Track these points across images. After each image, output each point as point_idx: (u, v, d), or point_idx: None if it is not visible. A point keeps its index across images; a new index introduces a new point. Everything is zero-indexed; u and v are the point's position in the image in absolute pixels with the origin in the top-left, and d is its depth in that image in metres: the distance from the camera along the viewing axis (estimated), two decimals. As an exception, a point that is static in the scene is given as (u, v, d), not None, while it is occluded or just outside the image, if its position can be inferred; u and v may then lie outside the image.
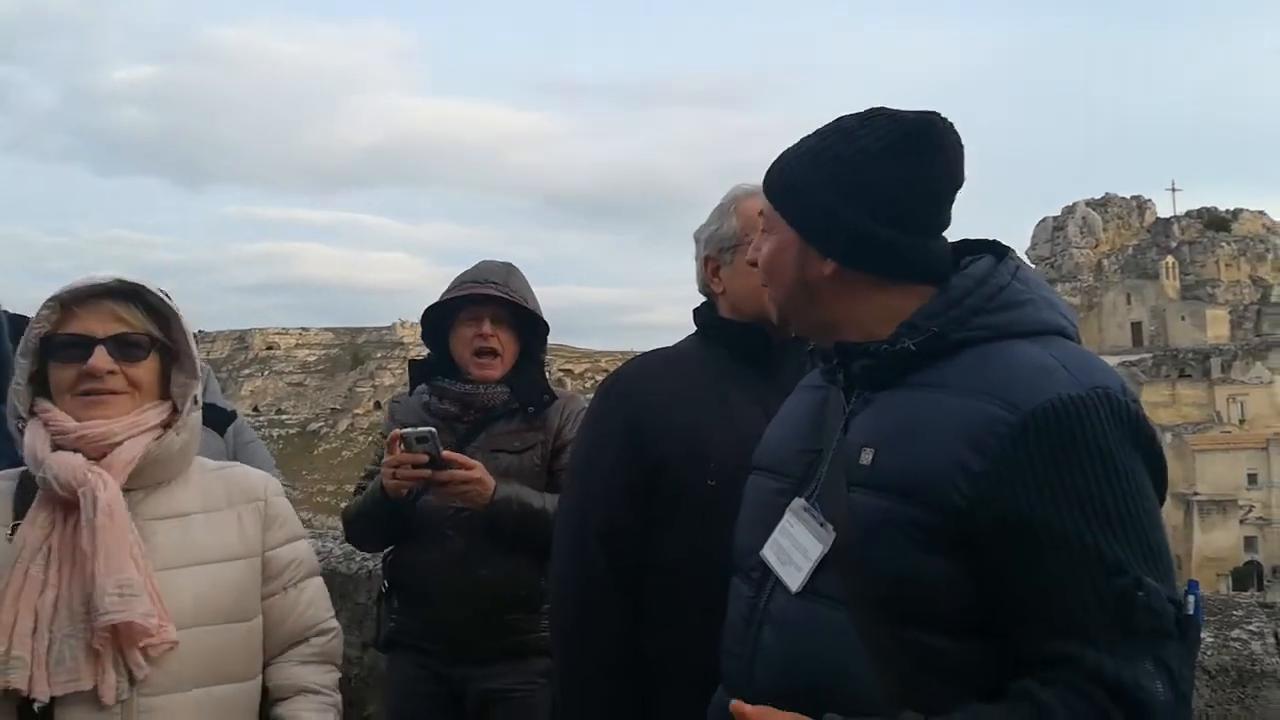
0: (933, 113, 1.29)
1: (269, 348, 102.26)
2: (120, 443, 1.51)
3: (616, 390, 1.88)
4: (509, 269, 2.51)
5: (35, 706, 1.40)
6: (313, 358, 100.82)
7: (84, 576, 1.44)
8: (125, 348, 1.53)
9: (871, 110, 1.31)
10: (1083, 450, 1.11)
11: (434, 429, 2.22)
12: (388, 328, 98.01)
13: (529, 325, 2.50)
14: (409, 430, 2.21)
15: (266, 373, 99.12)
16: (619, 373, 1.95)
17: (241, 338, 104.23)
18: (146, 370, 1.56)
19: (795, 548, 1.27)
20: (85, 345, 1.51)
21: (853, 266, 1.29)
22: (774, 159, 1.38)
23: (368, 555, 3.30)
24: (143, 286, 1.56)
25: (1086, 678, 1.07)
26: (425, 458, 2.19)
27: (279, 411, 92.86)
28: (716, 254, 1.89)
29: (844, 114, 1.34)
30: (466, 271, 2.52)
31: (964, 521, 1.12)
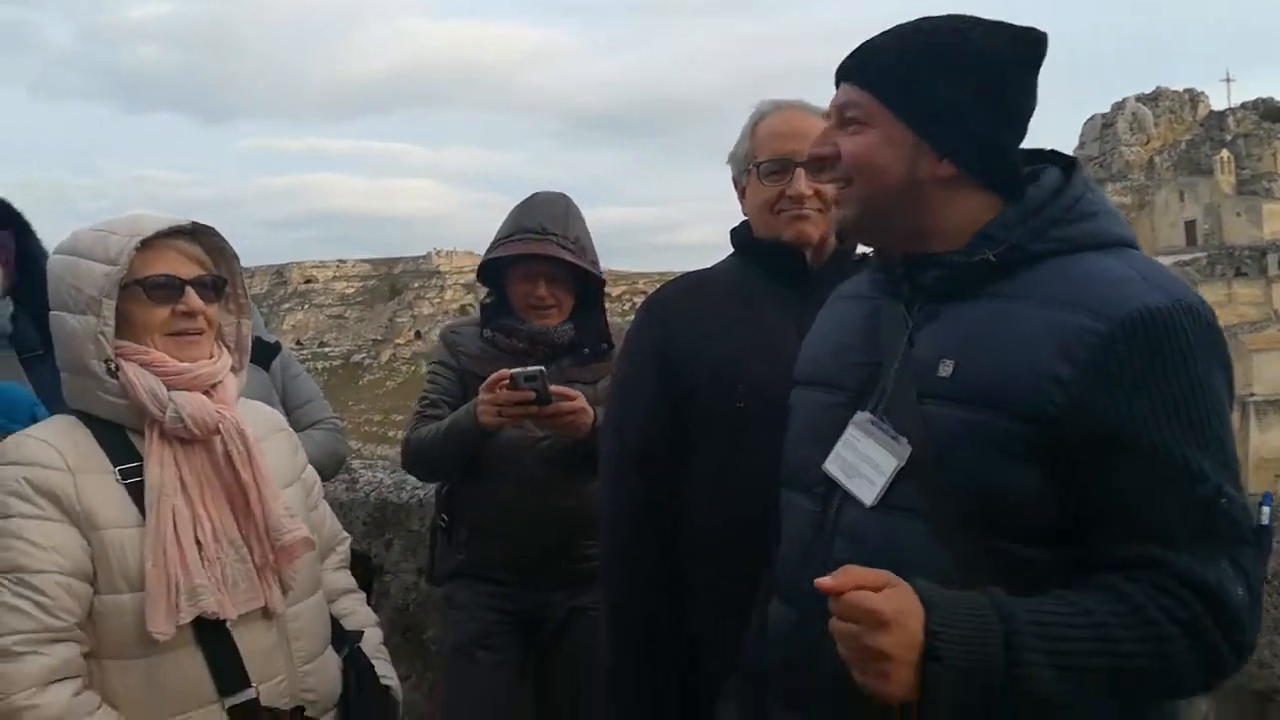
0: (1038, 29, 1.30)
1: (307, 281, 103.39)
2: (221, 380, 1.61)
3: (649, 314, 1.91)
4: (567, 210, 2.44)
5: (227, 625, 1.51)
6: (351, 289, 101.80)
7: (236, 506, 1.57)
8: (205, 289, 1.60)
9: (963, 15, 1.30)
10: (1170, 360, 1.13)
11: (543, 368, 2.24)
12: (424, 257, 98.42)
13: (586, 272, 2.47)
14: (518, 370, 2.24)
15: (307, 306, 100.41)
16: (652, 297, 1.97)
17: (279, 272, 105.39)
18: (215, 310, 1.63)
19: (864, 461, 1.27)
20: (176, 286, 1.56)
21: (969, 170, 1.27)
22: (861, 48, 1.33)
23: (418, 485, 3.34)
24: (210, 228, 1.62)
25: (1172, 577, 1.12)
26: (532, 395, 2.22)
27: (321, 344, 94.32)
28: (738, 175, 1.88)
29: (927, 15, 1.32)
30: (522, 212, 2.44)
31: (1054, 430, 1.14)
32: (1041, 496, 1.17)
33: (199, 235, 1.62)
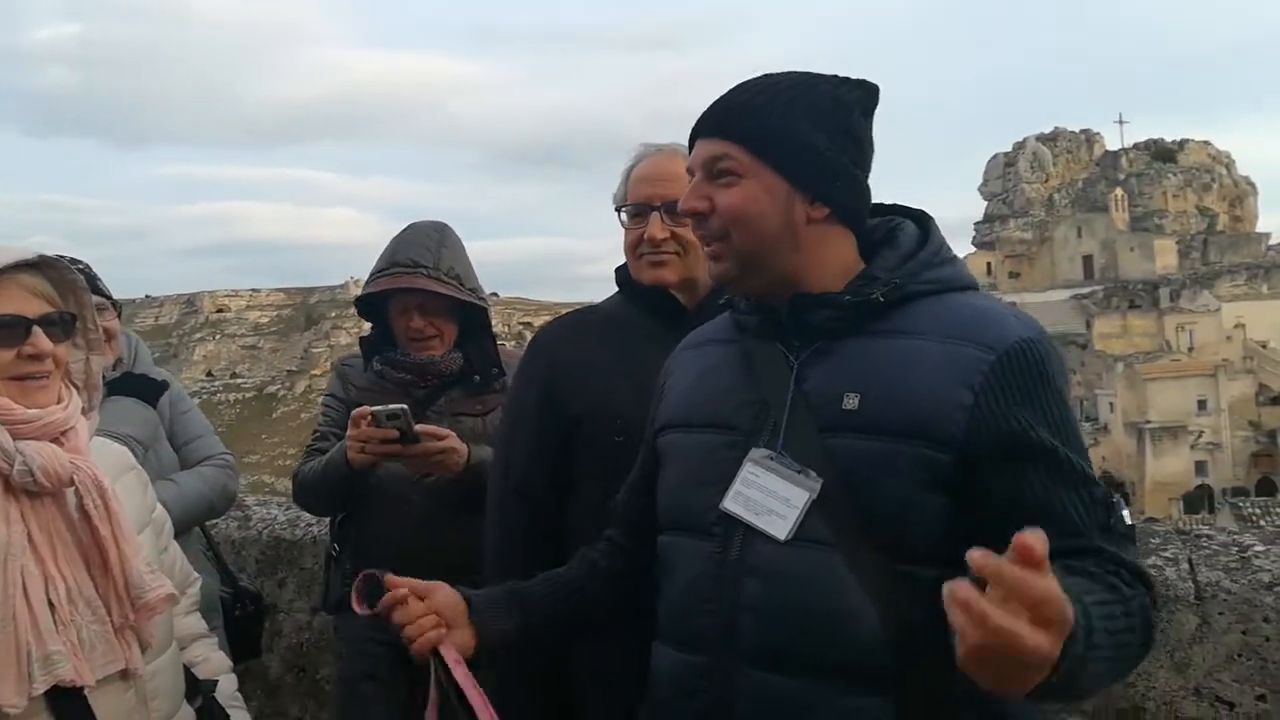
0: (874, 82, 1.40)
1: (219, 310, 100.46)
2: (73, 426, 1.50)
3: (533, 350, 1.95)
4: (440, 240, 2.44)
5: (85, 692, 1.41)
6: (265, 319, 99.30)
7: (91, 562, 1.46)
8: (52, 327, 1.48)
9: (802, 72, 1.37)
10: (1044, 381, 1.26)
11: (405, 406, 2.20)
12: (340, 286, 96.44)
13: (468, 298, 2.46)
14: (379, 409, 2.19)
15: (219, 336, 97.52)
16: (538, 332, 2.02)
17: (190, 301, 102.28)
18: (64, 350, 1.51)
19: (770, 497, 1.29)
20: (20, 326, 1.44)
21: (841, 211, 1.35)
22: (721, 104, 1.36)
23: (312, 521, 3.30)
24: (60, 259, 1.52)
25: (1111, 560, 1.19)
26: (396, 434, 2.19)
27: (234, 375, 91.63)
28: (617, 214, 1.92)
29: (772, 71, 1.37)
30: (398, 244, 2.45)
31: (961, 452, 1.23)
32: (947, 519, 1.23)
33: (45, 268, 1.50)
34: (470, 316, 2.49)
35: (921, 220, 1.42)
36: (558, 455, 1.82)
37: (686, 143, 1.90)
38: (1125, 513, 1.25)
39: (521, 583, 1.53)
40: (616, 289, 1.95)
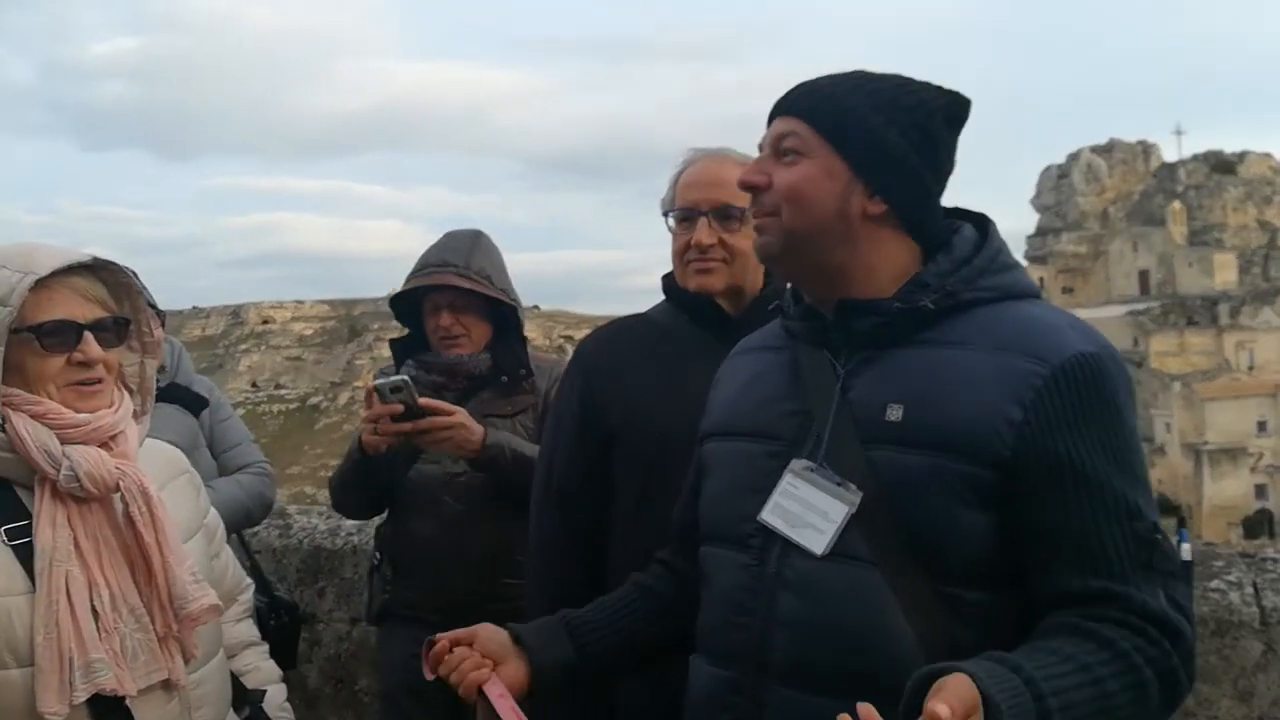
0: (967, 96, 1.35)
1: (264, 322, 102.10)
2: (122, 431, 1.49)
3: (576, 361, 1.96)
4: (474, 243, 2.46)
5: (126, 701, 1.40)
6: (309, 331, 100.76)
7: (136, 570, 1.45)
8: (105, 333, 1.47)
9: (898, 74, 1.34)
10: (1103, 402, 1.19)
11: (408, 377, 2.19)
12: (384, 298, 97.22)
13: (499, 299, 2.46)
14: (382, 381, 2.18)
15: (263, 347, 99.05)
16: (581, 343, 2.02)
17: (236, 313, 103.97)
18: (116, 355, 1.51)
19: (809, 510, 1.25)
20: (72, 331, 1.44)
21: (899, 211, 1.29)
22: (805, 85, 1.34)
23: (353, 530, 3.30)
24: (113, 263, 1.51)
25: (1133, 611, 1.14)
26: (402, 408, 2.16)
27: (278, 386, 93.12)
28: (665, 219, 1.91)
29: (862, 68, 1.36)
30: (431, 248, 2.48)
31: (1006, 471, 1.17)
32: (989, 539, 1.18)
33: (99, 271, 1.49)
34: (504, 320, 2.48)
35: (981, 224, 1.35)
36: (597, 464, 1.83)
37: (724, 148, 1.89)
38: (1186, 546, 1.22)
39: (573, 610, 1.50)
40: (661, 299, 1.93)
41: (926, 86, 1.32)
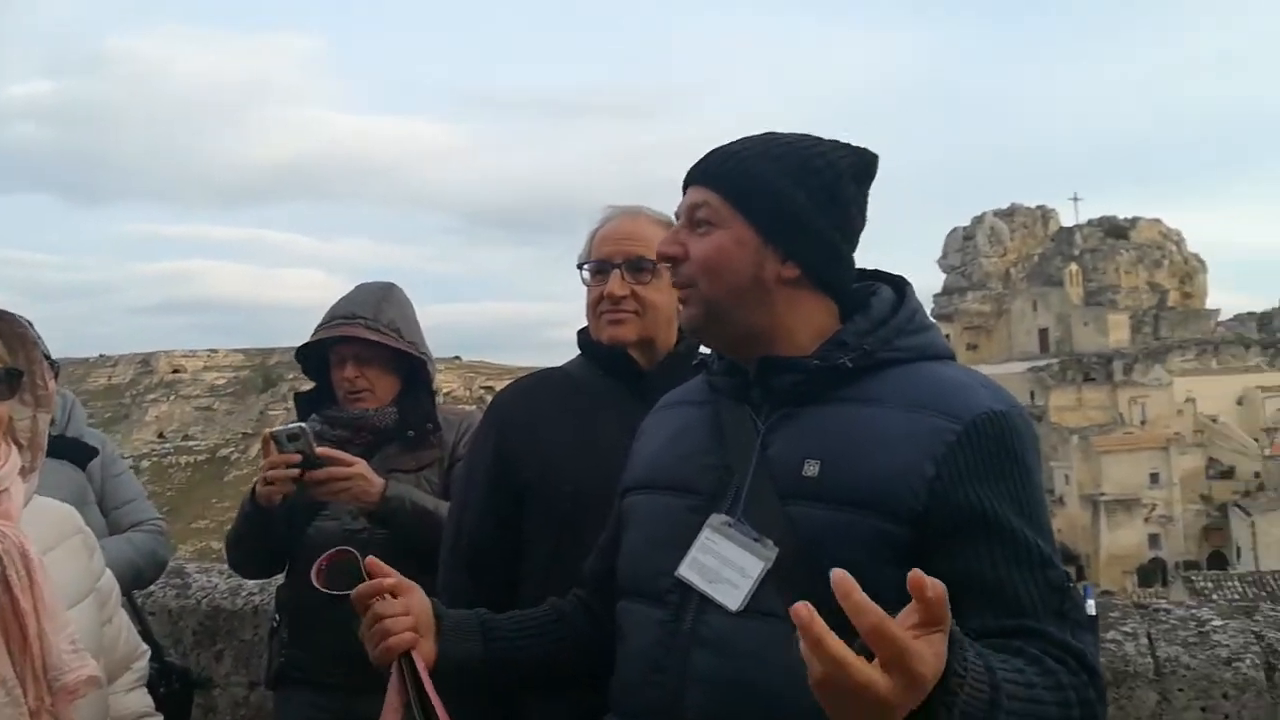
0: (873, 151, 1.38)
1: (175, 371, 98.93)
2: (7, 488, 1.42)
3: (490, 415, 1.94)
4: (383, 295, 2.43)
5: None
6: (222, 380, 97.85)
7: (10, 637, 1.36)
8: None
9: (806, 133, 1.36)
10: (1012, 457, 1.22)
11: (305, 425, 2.13)
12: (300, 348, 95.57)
13: (407, 352, 2.42)
14: (279, 428, 2.12)
15: (173, 397, 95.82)
16: (496, 397, 2.01)
17: (145, 361, 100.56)
18: (7, 407, 1.44)
19: (726, 565, 1.25)
20: None
21: (812, 274, 1.32)
22: (713, 153, 1.36)
23: (253, 590, 3.19)
24: (8, 313, 1.46)
25: (1055, 644, 1.15)
26: (299, 457, 2.10)
27: (186, 437, 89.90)
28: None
29: (776, 130, 1.37)
30: (340, 300, 2.44)
31: (920, 525, 1.19)
32: (905, 594, 1.19)
33: None
34: (413, 373, 2.45)
35: (899, 286, 1.38)
36: (509, 519, 1.81)
37: (638, 206, 1.93)
38: (1091, 602, 1.22)
39: (491, 614, 1.47)
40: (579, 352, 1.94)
41: (835, 146, 1.34)
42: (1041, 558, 1.19)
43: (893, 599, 1.16)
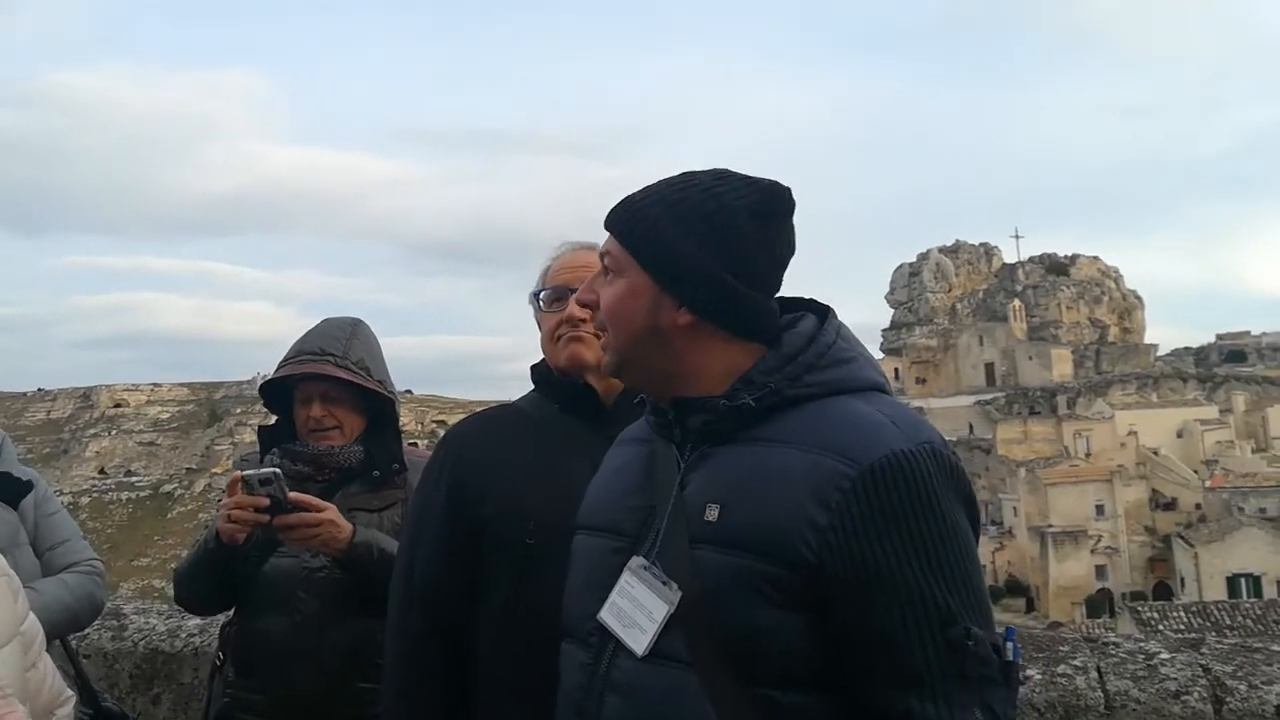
0: (782, 183, 1.34)
1: (117, 405, 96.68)
2: None
3: (443, 450, 1.88)
4: (352, 332, 2.40)
5: None
6: (166, 415, 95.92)
7: None
8: None
9: (721, 170, 1.34)
10: (917, 502, 1.15)
11: (279, 470, 2.09)
12: (248, 382, 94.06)
13: (374, 392, 2.39)
14: (251, 472, 2.07)
15: (114, 432, 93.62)
16: (449, 431, 1.95)
17: (86, 395, 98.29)
18: None
19: (638, 609, 1.24)
20: None
21: (708, 319, 1.29)
22: (621, 201, 1.36)
23: (194, 632, 3.09)
24: None
25: None
26: (268, 501, 2.06)
27: (128, 473, 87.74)
28: (535, 312, 1.91)
29: (691, 169, 1.35)
30: (308, 335, 2.40)
31: (813, 576, 1.14)
32: (802, 642, 1.16)
33: None
34: (379, 413, 2.42)
35: (823, 316, 1.35)
36: (464, 557, 1.76)
37: (591, 241, 1.93)
38: (1010, 645, 1.17)
39: None
40: (531, 388, 1.91)
41: (735, 187, 1.30)
42: (941, 615, 1.14)
43: (792, 644, 1.16)
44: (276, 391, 2.42)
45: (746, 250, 1.29)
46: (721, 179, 1.32)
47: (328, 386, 2.34)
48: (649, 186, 1.36)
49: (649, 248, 1.30)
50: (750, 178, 1.33)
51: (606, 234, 1.37)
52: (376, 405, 2.40)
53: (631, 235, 1.32)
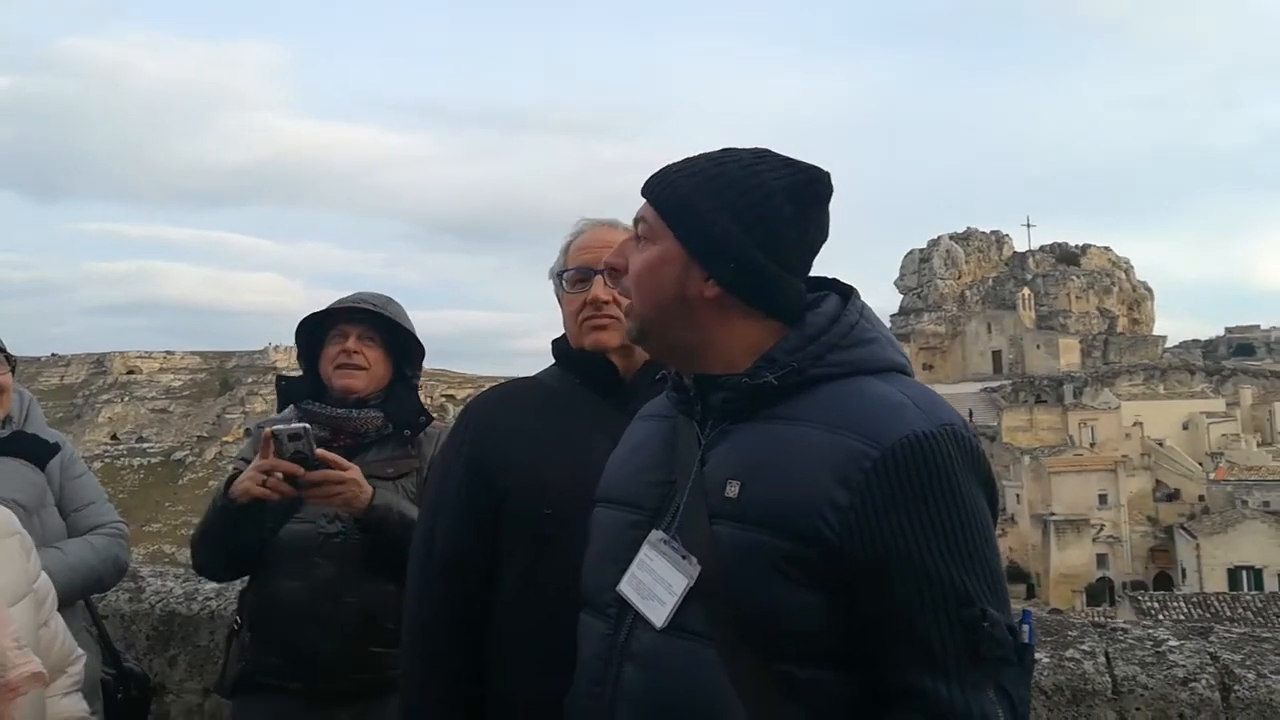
0: (822, 168, 1.35)
1: (130, 372, 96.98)
2: None
3: (464, 421, 1.90)
4: (388, 298, 2.50)
5: None
6: (178, 383, 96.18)
7: None
8: None
9: (762, 149, 1.34)
10: (936, 483, 1.16)
11: (307, 426, 2.13)
12: (259, 351, 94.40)
13: (403, 351, 2.48)
14: (281, 427, 2.10)
15: (127, 398, 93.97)
16: (470, 403, 1.97)
17: (99, 361, 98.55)
18: None
19: (657, 582, 1.26)
20: None
21: (734, 293, 1.30)
22: (660, 170, 1.37)
23: (210, 595, 3.13)
24: None
25: (940, 714, 1.13)
26: (300, 470, 2.10)
27: (140, 439, 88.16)
28: (556, 289, 1.92)
29: (731, 146, 1.36)
30: (341, 298, 2.50)
31: (832, 554, 1.16)
32: (821, 619, 1.17)
33: None
34: (400, 375, 2.48)
35: (846, 297, 1.36)
36: (484, 527, 1.77)
37: (613, 219, 1.94)
38: (1026, 628, 1.19)
39: None
40: (547, 364, 1.93)
41: (774, 167, 1.31)
42: (958, 595, 1.15)
43: (810, 621, 1.17)
44: (306, 350, 2.47)
45: (780, 230, 1.30)
46: (762, 158, 1.33)
47: (364, 327, 2.42)
48: (689, 158, 1.36)
49: (684, 217, 1.31)
50: (790, 159, 1.34)
51: (643, 199, 1.38)
52: (397, 368, 2.46)
53: (667, 204, 1.32)
